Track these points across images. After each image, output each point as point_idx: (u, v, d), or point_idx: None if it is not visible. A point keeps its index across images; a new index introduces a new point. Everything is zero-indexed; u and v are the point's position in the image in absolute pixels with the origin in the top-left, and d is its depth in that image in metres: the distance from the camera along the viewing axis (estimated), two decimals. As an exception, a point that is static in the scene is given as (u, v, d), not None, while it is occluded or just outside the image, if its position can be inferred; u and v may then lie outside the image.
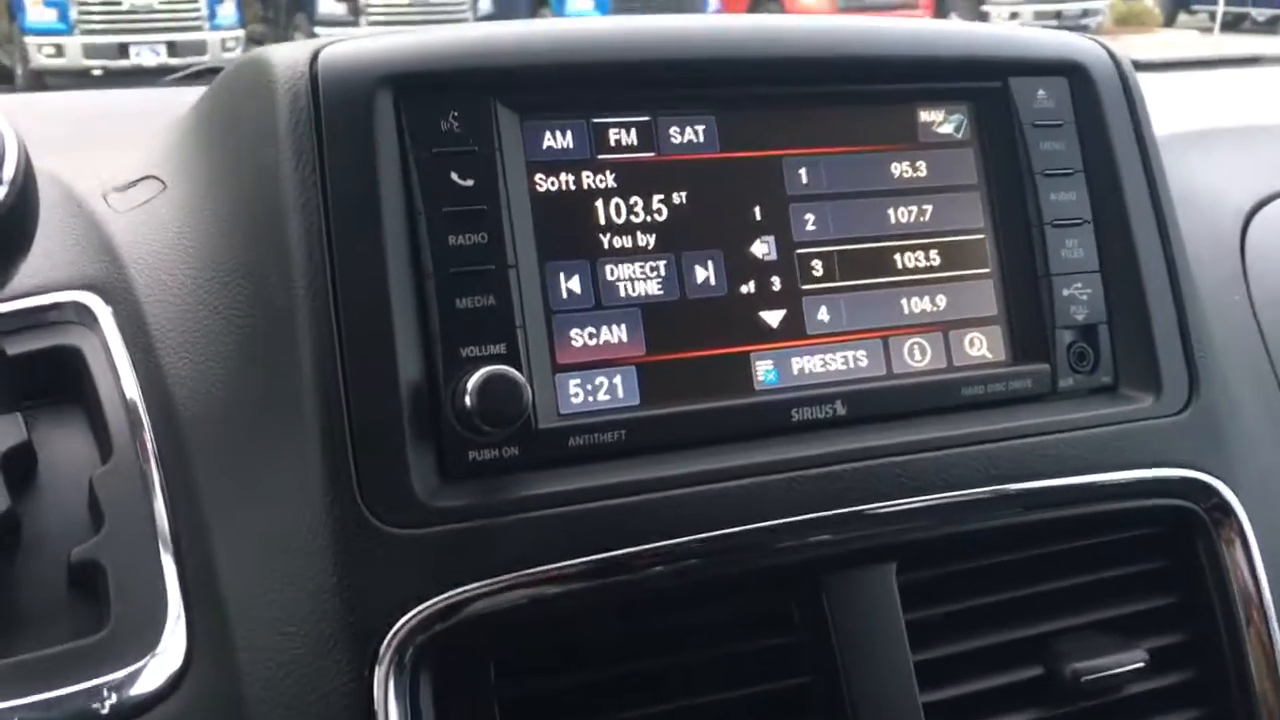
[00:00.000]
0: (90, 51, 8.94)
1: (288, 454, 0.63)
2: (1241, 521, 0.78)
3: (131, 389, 0.68)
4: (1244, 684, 0.78)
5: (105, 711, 0.59)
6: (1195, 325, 0.80)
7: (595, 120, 0.70)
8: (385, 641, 0.61)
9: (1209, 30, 13.68)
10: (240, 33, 9.57)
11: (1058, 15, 11.84)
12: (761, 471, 0.68)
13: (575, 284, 0.69)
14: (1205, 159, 1.08)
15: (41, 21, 9.00)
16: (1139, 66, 0.90)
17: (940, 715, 0.71)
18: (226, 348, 0.68)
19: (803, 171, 0.75)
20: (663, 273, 0.71)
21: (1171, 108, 1.10)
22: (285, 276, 0.64)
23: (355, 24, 9.72)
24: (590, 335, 0.69)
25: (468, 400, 0.62)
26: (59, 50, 8.96)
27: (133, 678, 0.60)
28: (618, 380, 0.69)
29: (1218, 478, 0.78)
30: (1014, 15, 11.75)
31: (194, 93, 0.84)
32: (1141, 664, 0.75)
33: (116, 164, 0.84)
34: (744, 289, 0.72)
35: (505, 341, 0.66)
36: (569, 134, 0.70)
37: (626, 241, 0.70)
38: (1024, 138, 0.79)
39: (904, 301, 0.76)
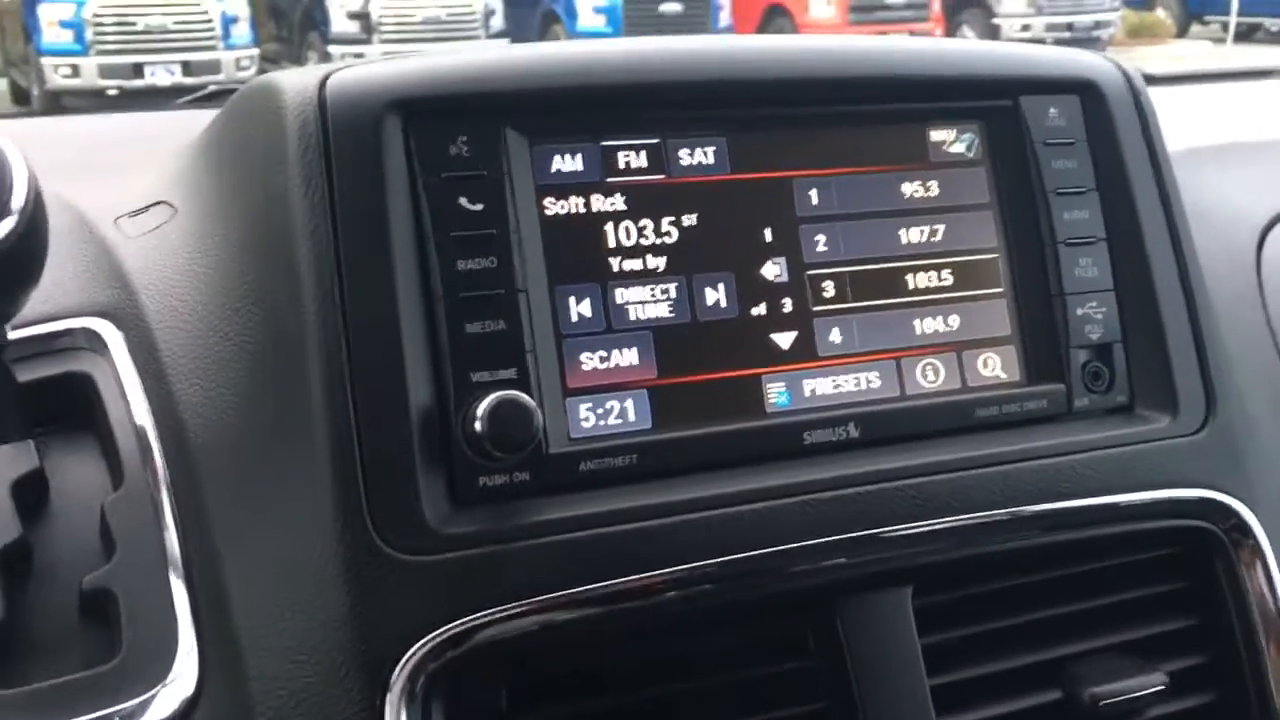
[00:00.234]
0: (106, 72, 9.01)
1: (298, 481, 0.63)
2: (1261, 542, 0.78)
3: (142, 415, 0.68)
4: (1265, 706, 0.77)
5: None
6: (1211, 343, 0.79)
7: (604, 143, 0.70)
8: (397, 669, 0.61)
9: (1222, 41, 13.65)
10: (254, 52, 9.64)
11: (1069, 27, 11.82)
12: (774, 495, 0.68)
13: (585, 307, 0.69)
14: (1220, 174, 1.07)
15: (57, 42, 9.07)
16: (1151, 80, 0.90)
17: None
18: (237, 374, 0.68)
19: (813, 192, 0.74)
20: (673, 295, 0.70)
21: (1185, 122, 1.09)
22: (295, 302, 0.64)
23: (368, 42, 9.78)
24: (601, 359, 0.69)
25: (478, 425, 0.62)
26: (75, 71, 9.03)
27: (144, 706, 0.60)
28: (629, 404, 0.69)
29: (1236, 498, 0.77)
30: (1025, 27, 11.74)
31: (207, 115, 0.84)
32: (1161, 687, 0.75)
33: (128, 189, 0.84)
34: (755, 311, 0.72)
35: (516, 366, 0.66)
36: (578, 157, 0.70)
37: (637, 264, 0.70)
38: (1036, 156, 0.78)
39: (916, 322, 0.76)
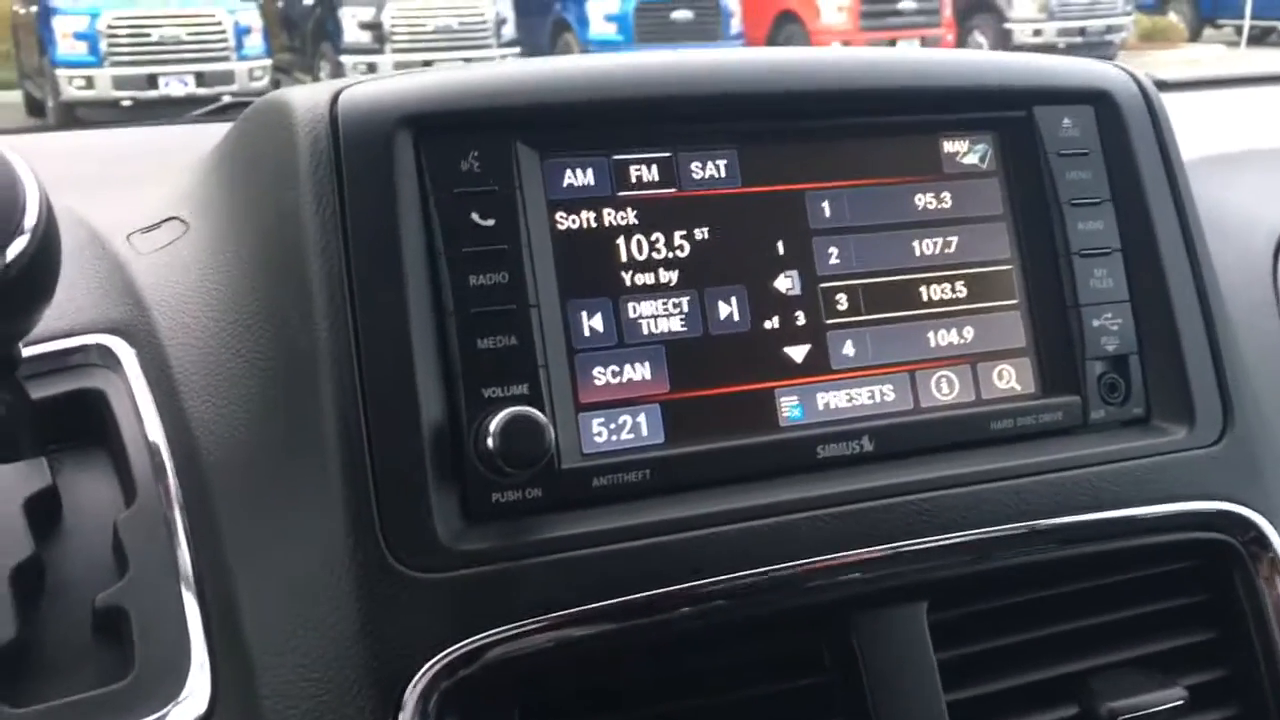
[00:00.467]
0: (120, 83, 9.06)
1: (310, 498, 0.63)
2: (1280, 555, 0.77)
3: (155, 432, 0.68)
4: (1286, 720, 0.77)
5: None
6: (1228, 354, 0.79)
7: (616, 157, 0.70)
8: (409, 687, 0.61)
9: (1235, 44, 13.60)
10: (267, 62, 9.68)
11: (1082, 32, 11.79)
12: (788, 510, 0.68)
13: (598, 322, 0.69)
14: (1235, 182, 1.06)
15: (72, 54, 9.13)
16: (1165, 86, 0.89)
17: None
18: (249, 391, 0.68)
19: (826, 205, 0.74)
20: (685, 309, 0.70)
21: (1200, 129, 1.08)
22: (306, 319, 0.64)
23: (380, 52, 9.81)
24: (613, 374, 0.68)
25: (490, 441, 0.62)
26: (89, 82, 9.08)
27: None
28: (641, 419, 0.68)
29: (1255, 510, 0.77)
30: (1037, 32, 11.71)
31: (220, 129, 0.84)
32: (1180, 701, 0.74)
33: (141, 204, 0.84)
34: (768, 324, 0.72)
35: (528, 381, 0.65)
36: (589, 171, 0.70)
37: (648, 278, 0.70)
38: (1050, 167, 0.78)
39: (930, 334, 0.75)
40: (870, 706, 0.68)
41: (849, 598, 0.69)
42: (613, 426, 0.68)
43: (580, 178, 0.69)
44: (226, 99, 1.34)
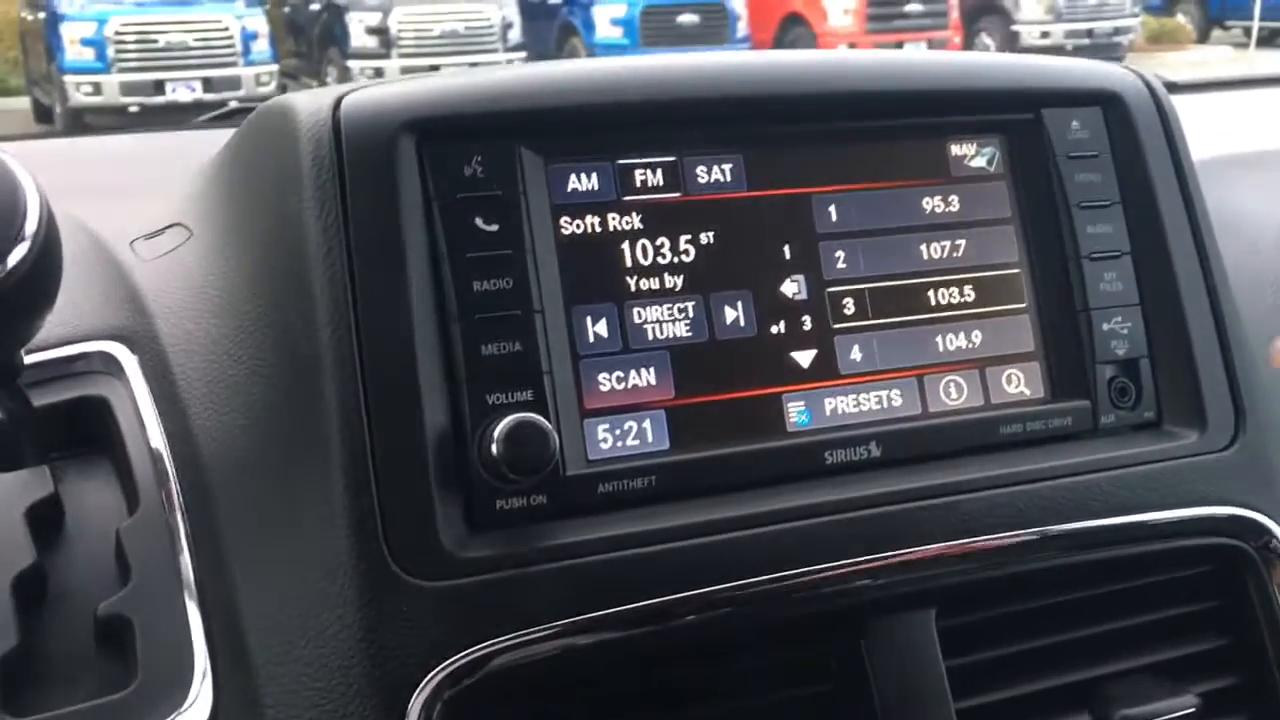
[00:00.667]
0: (127, 89, 9.09)
1: (313, 505, 0.63)
2: (1293, 560, 0.76)
3: (157, 440, 0.68)
4: (1298, 728, 0.76)
5: None
6: (1240, 357, 0.78)
7: (620, 161, 0.70)
8: (413, 696, 0.60)
9: (1244, 46, 13.57)
10: (274, 68, 9.71)
11: (1089, 34, 11.77)
12: (795, 516, 0.67)
13: (602, 327, 0.68)
14: (1246, 183, 1.05)
15: (80, 60, 9.17)
16: (1174, 88, 0.89)
17: None
18: (251, 398, 0.67)
19: (832, 209, 0.73)
20: (691, 314, 0.70)
21: (1209, 130, 1.08)
22: (309, 325, 0.64)
23: (387, 57, 9.83)
24: (618, 379, 0.68)
25: (495, 448, 0.61)
26: (97, 88, 9.12)
27: None
28: (647, 425, 0.68)
29: (1268, 515, 0.76)
30: (1045, 34, 11.69)
31: (225, 134, 0.84)
32: (1193, 709, 0.73)
33: (145, 210, 0.84)
34: (774, 329, 0.71)
35: (532, 387, 0.65)
36: (594, 176, 0.69)
37: (654, 283, 0.69)
38: (1058, 169, 0.77)
39: (939, 339, 0.75)
40: (879, 714, 0.68)
41: (857, 604, 0.68)
42: (618, 433, 0.67)
43: (585, 182, 0.69)
44: (233, 104, 1.34)
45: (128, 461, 0.68)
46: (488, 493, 0.63)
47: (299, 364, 0.65)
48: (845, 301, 0.73)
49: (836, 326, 0.72)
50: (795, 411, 0.71)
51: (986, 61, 0.83)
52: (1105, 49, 11.13)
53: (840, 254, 0.73)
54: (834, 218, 0.73)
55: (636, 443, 0.68)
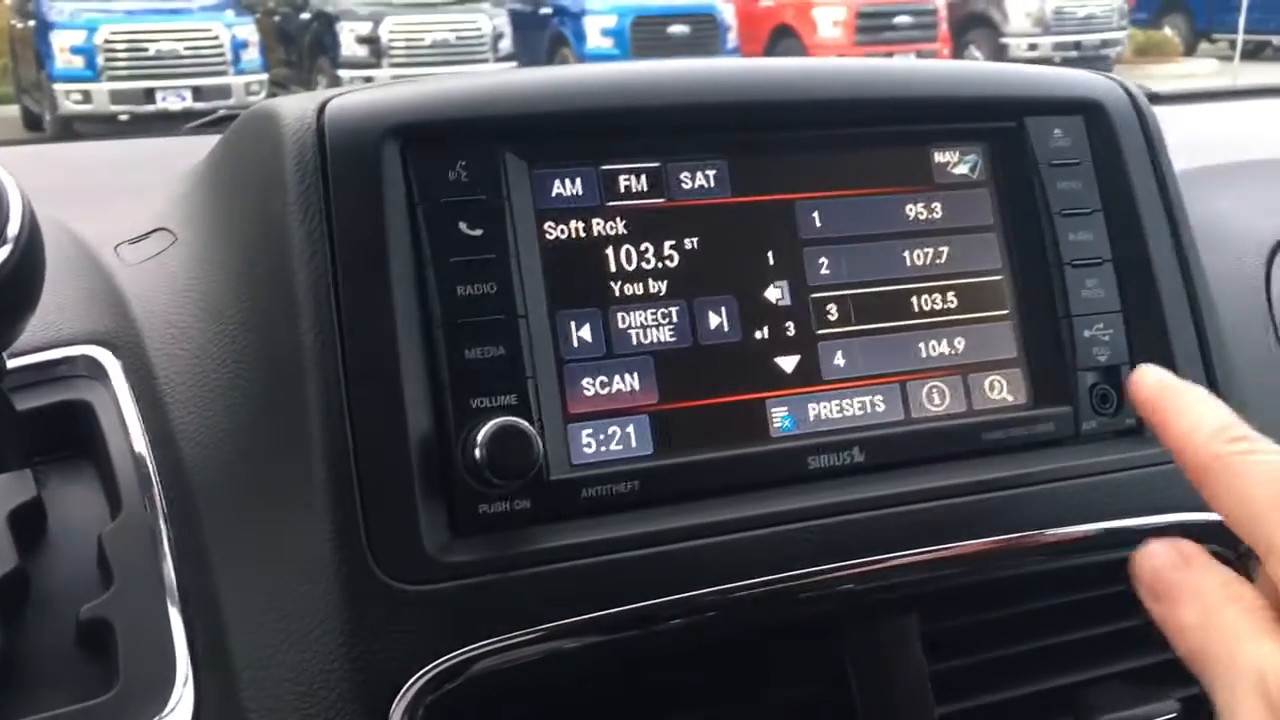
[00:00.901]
0: (117, 97, 9.09)
1: (295, 510, 0.63)
2: (1274, 566, 0.76)
3: (140, 444, 0.68)
4: (1280, 733, 0.76)
5: None
6: (1220, 365, 0.79)
7: (604, 167, 0.70)
8: (396, 701, 0.60)
9: (1230, 59, 13.65)
10: (264, 76, 9.71)
11: (1077, 46, 11.84)
12: (778, 521, 0.67)
13: (586, 333, 0.68)
14: (1228, 194, 1.06)
15: (70, 69, 9.16)
16: (1158, 100, 0.89)
17: None
18: (234, 401, 0.67)
19: (816, 215, 0.74)
20: (675, 320, 0.70)
21: (1193, 141, 1.08)
22: (292, 329, 0.64)
23: (377, 66, 9.84)
24: (602, 384, 0.68)
25: (478, 453, 0.61)
26: (86, 96, 9.12)
27: None
28: (630, 430, 0.68)
29: None
30: (1033, 46, 11.75)
31: (212, 140, 0.84)
32: (1174, 714, 0.73)
33: (130, 215, 0.84)
34: (758, 335, 0.71)
35: (516, 392, 0.65)
36: (578, 181, 0.69)
37: (638, 289, 0.69)
38: (1040, 177, 0.78)
39: (921, 345, 0.75)
40: (861, 718, 0.68)
41: (839, 609, 0.69)
42: (601, 437, 0.68)
43: (569, 188, 0.69)
44: (221, 111, 1.34)
45: (110, 465, 0.68)
46: (471, 497, 0.63)
47: (282, 368, 0.65)
48: (829, 307, 0.73)
49: (820, 332, 0.73)
50: (779, 417, 0.71)
51: (970, 70, 0.83)
52: (1093, 62, 11.19)
53: (824, 260, 0.73)
54: (818, 224, 0.74)
55: (620, 448, 0.68)
